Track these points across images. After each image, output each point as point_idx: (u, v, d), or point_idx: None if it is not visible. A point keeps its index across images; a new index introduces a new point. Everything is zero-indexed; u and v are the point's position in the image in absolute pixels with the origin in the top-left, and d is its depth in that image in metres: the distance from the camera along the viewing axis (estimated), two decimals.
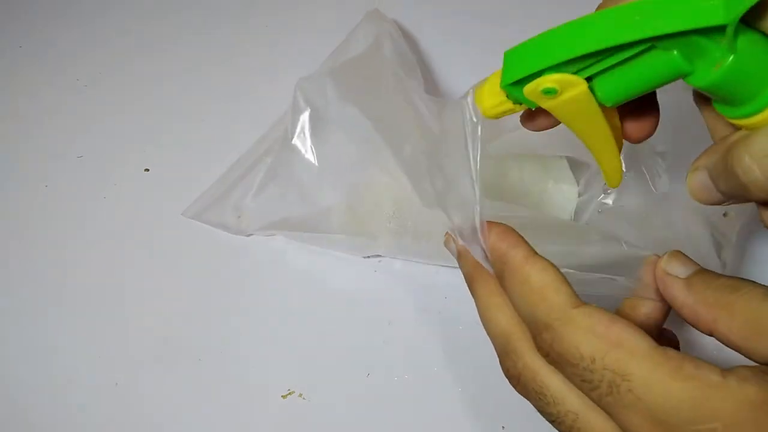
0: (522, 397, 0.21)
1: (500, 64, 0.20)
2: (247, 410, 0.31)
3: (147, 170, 0.41)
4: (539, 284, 0.20)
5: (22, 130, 0.43)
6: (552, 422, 0.20)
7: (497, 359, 0.21)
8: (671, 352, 0.17)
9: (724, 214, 0.33)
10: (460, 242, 0.23)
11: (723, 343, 0.19)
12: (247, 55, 0.47)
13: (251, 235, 0.37)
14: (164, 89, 0.45)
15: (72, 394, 0.32)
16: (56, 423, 0.32)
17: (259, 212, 0.37)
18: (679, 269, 0.20)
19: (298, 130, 0.37)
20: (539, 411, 0.20)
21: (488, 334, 0.22)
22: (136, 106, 0.44)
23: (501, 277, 0.21)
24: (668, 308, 0.22)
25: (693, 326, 0.19)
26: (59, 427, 0.32)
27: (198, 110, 0.44)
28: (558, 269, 0.20)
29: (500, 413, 0.31)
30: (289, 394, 0.32)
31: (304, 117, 0.37)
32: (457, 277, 0.24)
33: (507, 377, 0.21)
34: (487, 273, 0.22)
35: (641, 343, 0.18)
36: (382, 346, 0.33)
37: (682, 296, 0.20)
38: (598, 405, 0.18)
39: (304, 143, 0.37)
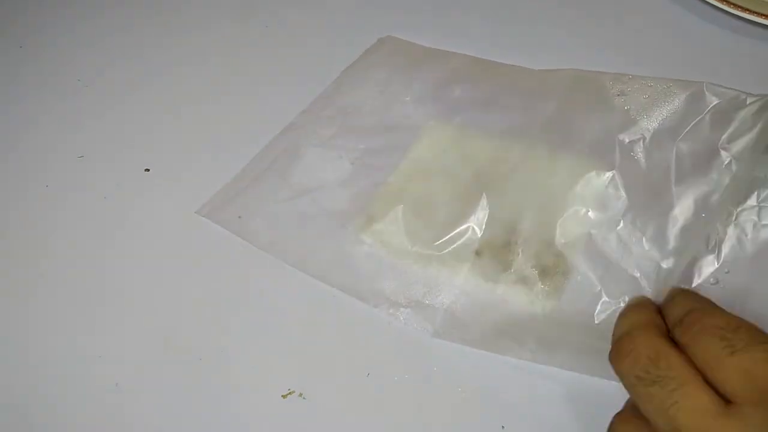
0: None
1: None
2: (247, 410, 0.31)
3: (147, 170, 0.41)
4: None
5: (23, 130, 0.43)
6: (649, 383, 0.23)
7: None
8: None
9: None
10: None
11: None
12: (250, 55, 0.47)
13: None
14: (165, 89, 0.45)
15: (72, 395, 0.32)
16: (56, 423, 0.32)
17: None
18: None
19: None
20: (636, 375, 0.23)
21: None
22: (136, 106, 0.44)
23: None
24: None
25: None
26: (59, 427, 0.32)
27: (199, 110, 0.44)
28: None
29: (500, 413, 0.31)
30: (289, 394, 0.32)
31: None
32: None
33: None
34: None
35: None
36: (382, 346, 0.33)
37: None
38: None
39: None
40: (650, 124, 0.36)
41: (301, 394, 0.32)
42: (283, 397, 0.32)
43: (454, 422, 0.31)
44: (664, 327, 0.26)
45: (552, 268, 0.33)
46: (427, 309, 0.33)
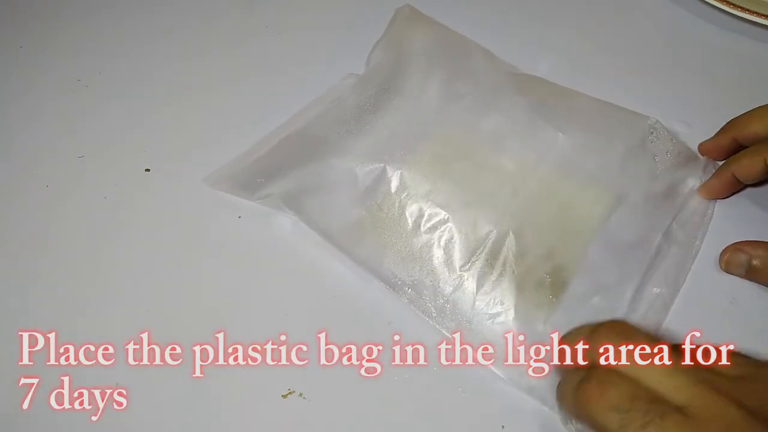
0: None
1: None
2: (247, 410, 0.31)
3: (147, 170, 0.41)
4: None
5: (23, 130, 0.43)
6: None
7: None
8: None
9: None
10: None
11: None
12: (250, 53, 0.47)
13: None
14: (165, 89, 0.45)
15: (71, 394, 0.32)
16: (57, 423, 0.32)
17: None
18: None
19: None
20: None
21: None
22: (136, 105, 0.44)
23: None
24: None
25: None
26: (59, 427, 0.32)
27: (199, 110, 0.44)
28: None
29: (500, 413, 0.31)
30: (289, 393, 0.32)
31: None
32: None
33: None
34: None
35: None
36: (382, 346, 0.33)
37: None
38: None
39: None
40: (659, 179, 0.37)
41: (301, 394, 0.32)
42: (283, 397, 0.32)
43: (454, 422, 0.31)
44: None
45: (554, 279, 0.33)
46: (430, 291, 0.34)
